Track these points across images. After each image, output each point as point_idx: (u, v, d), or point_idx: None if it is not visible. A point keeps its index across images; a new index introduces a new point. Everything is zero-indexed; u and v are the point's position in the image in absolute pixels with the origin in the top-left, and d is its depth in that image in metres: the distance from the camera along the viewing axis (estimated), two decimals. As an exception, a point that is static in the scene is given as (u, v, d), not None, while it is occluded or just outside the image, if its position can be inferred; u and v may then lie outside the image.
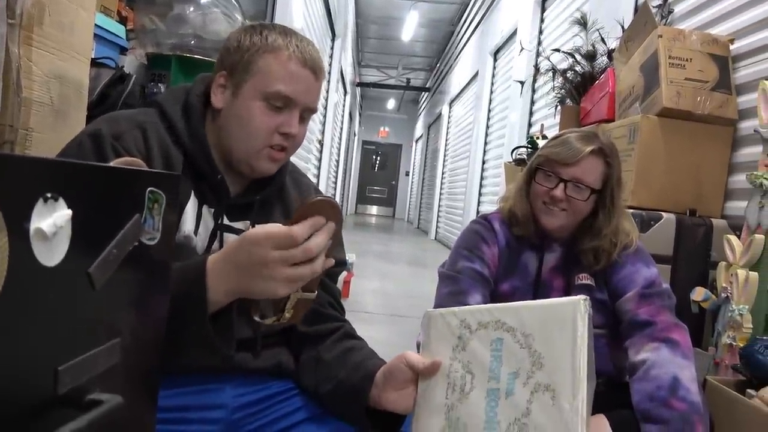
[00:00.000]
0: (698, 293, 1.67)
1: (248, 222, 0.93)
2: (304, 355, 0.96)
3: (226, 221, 0.91)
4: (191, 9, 2.57)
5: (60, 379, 0.42)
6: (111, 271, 0.47)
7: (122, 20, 2.41)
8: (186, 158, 0.88)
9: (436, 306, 1.22)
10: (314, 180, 6.52)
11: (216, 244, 0.89)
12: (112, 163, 0.55)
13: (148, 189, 0.52)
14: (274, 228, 0.71)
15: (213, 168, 0.89)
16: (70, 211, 0.41)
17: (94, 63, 1.80)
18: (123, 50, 2.29)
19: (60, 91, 1.35)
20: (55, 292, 0.41)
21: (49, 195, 0.39)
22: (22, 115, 1.22)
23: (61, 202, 0.40)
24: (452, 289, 1.23)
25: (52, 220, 0.39)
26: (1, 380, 0.38)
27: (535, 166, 1.27)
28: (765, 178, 1.51)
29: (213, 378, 0.88)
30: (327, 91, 6.92)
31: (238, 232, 0.91)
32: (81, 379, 0.44)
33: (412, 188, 16.36)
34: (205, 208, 0.89)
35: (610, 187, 1.24)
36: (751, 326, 1.47)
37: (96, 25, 1.64)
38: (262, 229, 0.72)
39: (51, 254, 0.40)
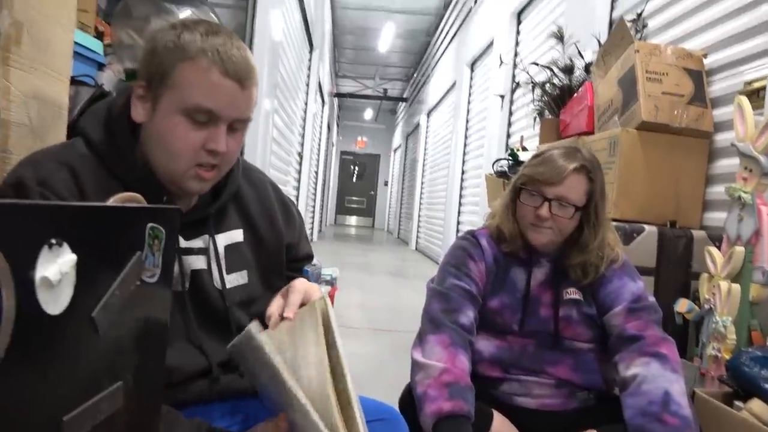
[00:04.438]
0: (682, 305, 1.70)
1: (206, 236, 0.88)
2: None
3: (182, 243, 0.85)
4: (170, 24, 2.54)
5: (64, 429, 0.41)
6: (113, 314, 0.46)
7: (99, 35, 2.37)
8: (125, 188, 0.78)
9: (429, 320, 1.21)
10: (294, 192, 6.52)
11: (176, 268, 0.83)
12: (110, 201, 0.53)
13: (149, 225, 0.51)
14: None
15: (156, 192, 0.81)
16: (75, 257, 0.39)
17: (73, 81, 1.75)
18: (100, 66, 2.25)
19: (39, 111, 1.32)
20: (59, 341, 0.39)
21: (53, 241, 0.38)
22: (0, 137, 1.19)
23: (66, 247, 0.39)
24: (445, 306, 1.23)
25: (57, 267, 0.38)
26: (3, 435, 0.36)
27: (519, 186, 1.27)
28: (743, 191, 1.55)
29: (201, 408, 0.86)
30: (306, 103, 6.90)
31: (197, 251, 0.87)
32: (85, 427, 0.43)
33: (391, 198, 16.37)
34: None
35: (594, 202, 1.25)
36: (735, 337, 1.50)
37: (74, 42, 1.61)
38: None
39: (56, 302, 0.38)
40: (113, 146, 0.82)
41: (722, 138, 2.07)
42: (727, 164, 2.04)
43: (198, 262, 0.87)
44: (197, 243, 0.87)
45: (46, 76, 1.33)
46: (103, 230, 0.45)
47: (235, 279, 0.91)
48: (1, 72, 1.18)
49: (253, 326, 0.72)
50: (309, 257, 1.06)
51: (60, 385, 0.41)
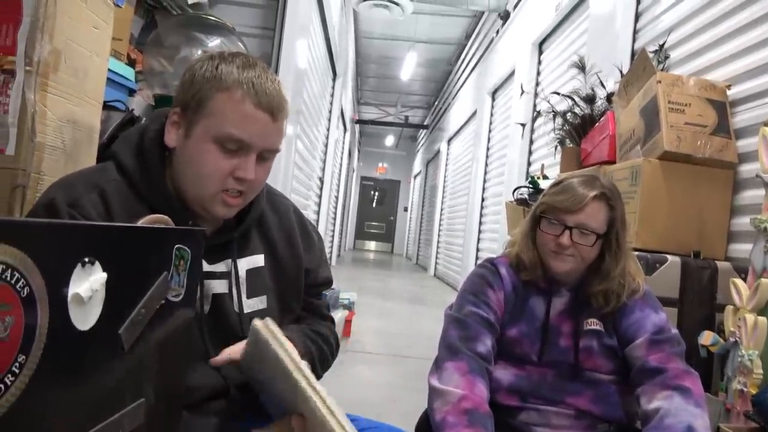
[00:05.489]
0: (706, 337, 1.66)
1: (229, 260, 0.90)
2: None
3: (205, 266, 0.87)
4: (198, 52, 2.63)
5: (88, 444, 0.42)
6: (139, 331, 0.47)
7: (131, 63, 2.46)
8: (153, 211, 0.81)
9: (447, 347, 1.21)
10: (314, 217, 6.57)
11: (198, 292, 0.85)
12: (140, 222, 0.55)
13: (175, 246, 0.52)
14: None
15: (182, 216, 0.83)
16: (105, 275, 0.41)
17: (105, 106, 1.82)
18: (131, 92, 2.33)
19: (72, 135, 1.37)
20: (87, 356, 0.41)
21: (86, 260, 0.39)
22: (35, 160, 1.24)
23: (97, 265, 0.41)
24: (462, 333, 1.22)
25: (88, 285, 0.39)
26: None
27: (539, 214, 1.27)
28: (769, 223, 1.52)
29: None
30: (328, 129, 7.01)
31: (219, 275, 0.88)
32: (108, 443, 0.44)
33: (410, 224, 16.38)
34: None
35: (615, 230, 1.24)
36: (762, 372, 1.46)
37: (107, 68, 1.67)
38: None
39: (86, 318, 0.40)
40: (143, 170, 0.84)
41: (747, 169, 2.05)
42: (753, 195, 2.01)
43: (220, 286, 0.89)
44: (220, 267, 0.89)
45: (81, 101, 1.39)
46: (133, 250, 0.47)
47: (254, 304, 0.92)
48: (39, 97, 1.23)
49: (257, 323, 0.69)
50: (328, 282, 1.07)
51: (86, 399, 0.42)
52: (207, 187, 0.82)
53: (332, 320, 1.09)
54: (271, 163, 0.88)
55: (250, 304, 0.91)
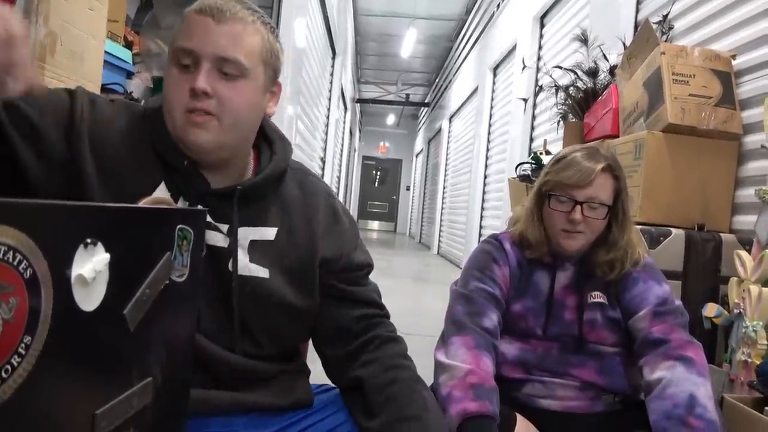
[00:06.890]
0: (710, 309, 1.66)
1: (233, 219, 0.86)
2: (344, 379, 0.95)
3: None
4: (196, 32, 2.59)
5: (97, 423, 0.42)
6: (144, 311, 0.47)
7: (128, 45, 2.44)
8: (155, 151, 0.84)
9: (453, 323, 1.21)
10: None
11: None
12: (141, 203, 0.55)
13: (178, 227, 0.52)
14: None
15: (179, 155, 0.83)
16: (108, 255, 0.41)
17: (103, 89, 1.81)
18: (129, 74, 2.31)
19: (71, 118, 1.36)
20: (93, 336, 0.41)
21: (89, 240, 0.39)
22: (35, 144, 1.23)
23: (100, 246, 0.41)
24: (468, 309, 1.23)
25: (92, 266, 0.39)
26: (39, 427, 0.38)
27: (547, 192, 1.26)
28: (774, 194, 1.51)
29: (223, 421, 0.84)
30: (328, 109, 6.97)
31: (214, 227, 0.84)
32: (117, 422, 0.44)
33: (413, 203, 16.38)
34: (181, 201, 0.82)
35: (621, 200, 1.25)
36: (766, 342, 1.46)
37: (104, 51, 1.66)
38: None
39: (90, 299, 0.40)
40: (157, 112, 0.86)
41: (752, 140, 2.03)
42: (758, 166, 2.00)
43: (216, 239, 0.85)
44: (221, 225, 0.85)
45: (78, 84, 1.38)
46: (136, 231, 0.47)
47: (256, 270, 0.87)
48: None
49: None
50: (365, 266, 1.00)
51: (93, 380, 0.43)
52: (174, 113, 0.81)
53: (387, 314, 1.02)
54: (242, 82, 0.82)
55: (252, 269, 0.87)
